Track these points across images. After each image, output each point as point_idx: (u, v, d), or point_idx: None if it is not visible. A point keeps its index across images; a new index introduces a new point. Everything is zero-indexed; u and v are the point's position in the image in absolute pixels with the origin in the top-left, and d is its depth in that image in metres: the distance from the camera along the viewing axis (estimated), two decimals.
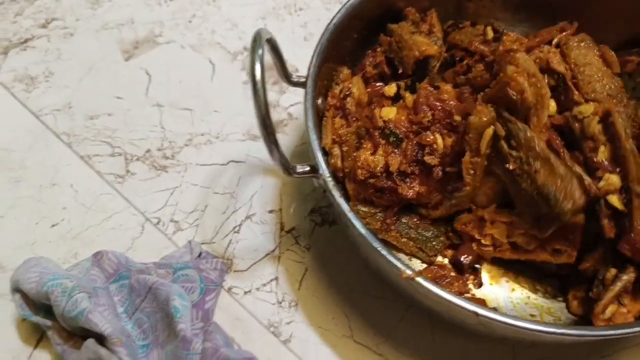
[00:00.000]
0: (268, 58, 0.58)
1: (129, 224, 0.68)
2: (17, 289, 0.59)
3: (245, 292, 0.65)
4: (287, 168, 0.56)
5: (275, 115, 0.76)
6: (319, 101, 0.64)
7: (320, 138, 0.59)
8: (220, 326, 0.60)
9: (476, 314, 0.51)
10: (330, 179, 0.56)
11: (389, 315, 0.64)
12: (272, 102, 0.77)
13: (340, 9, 0.64)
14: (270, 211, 0.70)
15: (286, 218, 0.70)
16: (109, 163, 0.72)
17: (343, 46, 0.67)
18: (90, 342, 0.54)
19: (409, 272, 0.52)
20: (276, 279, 0.66)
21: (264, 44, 0.53)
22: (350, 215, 0.54)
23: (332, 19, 0.63)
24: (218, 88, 0.78)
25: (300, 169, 0.57)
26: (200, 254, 0.65)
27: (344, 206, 0.55)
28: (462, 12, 0.74)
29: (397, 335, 0.63)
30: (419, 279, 0.52)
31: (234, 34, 0.82)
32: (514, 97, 0.56)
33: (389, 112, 0.63)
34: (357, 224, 0.54)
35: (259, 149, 0.74)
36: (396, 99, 0.66)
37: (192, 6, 0.85)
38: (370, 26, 0.70)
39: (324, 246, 0.68)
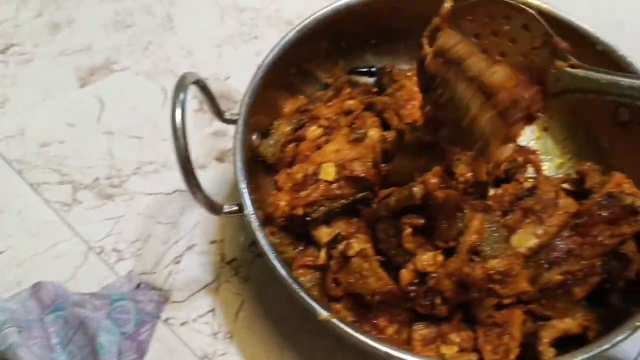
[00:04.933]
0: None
1: (72, 253, 0.69)
2: None
3: (182, 323, 0.66)
4: (213, 208, 0.57)
5: (223, 144, 0.77)
6: (254, 137, 0.65)
7: (249, 178, 0.60)
8: None
9: (388, 355, 0.52)
10: (254, 218, 0.57)
11: (319, 349, 0.65)
12: (220, 131, 0.78)
13: (274, 48, 0.65)
14: (212, 242, 0.71)
15: (228, 249, 0.71)
16: (56, 191, 0.73)
17: (279, 81, 0.68)
18: None
19: (325, 314, 0.53)
20: (213, 310, 0.67)
21: (188, 88, 0.55)
22: (272, 256, 0.56)
23: (265, 58, 0.65)
24: (169, 116, 0.79)
25: (227, 208, 0.58)
26: (138, 285, 0.67)
27: (267, 247, 0.56)
28: None
29: None
30: (335, 321, 0.53)
31: (187, 62, 0.84)
32: None
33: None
34: (278, 265, 0.55)
35: (205, 178, 0.75)
36: None
37: (149, 32, 0.86)
38: (309, 60, 0.71)
39: (262, 278, 0.69)
